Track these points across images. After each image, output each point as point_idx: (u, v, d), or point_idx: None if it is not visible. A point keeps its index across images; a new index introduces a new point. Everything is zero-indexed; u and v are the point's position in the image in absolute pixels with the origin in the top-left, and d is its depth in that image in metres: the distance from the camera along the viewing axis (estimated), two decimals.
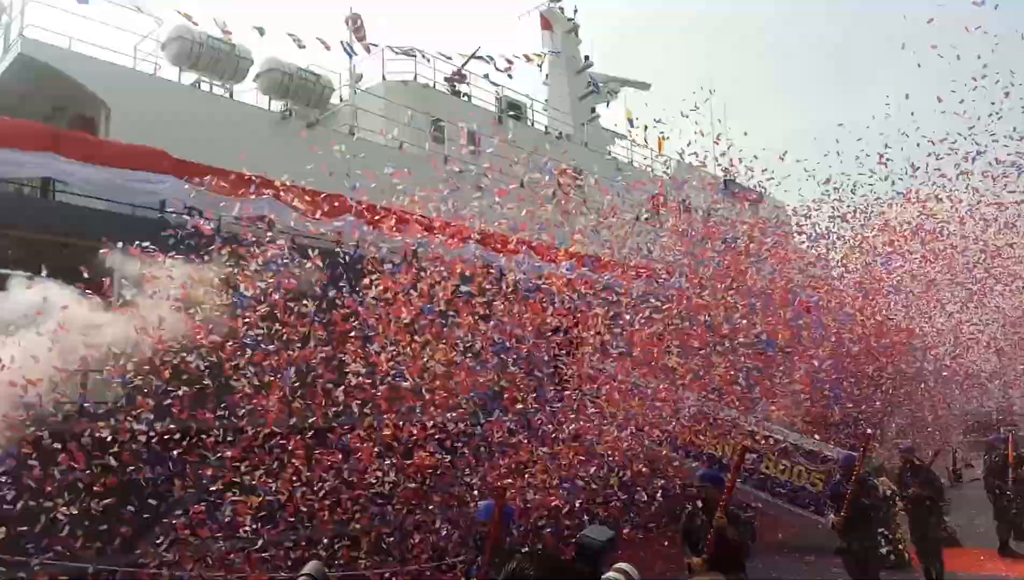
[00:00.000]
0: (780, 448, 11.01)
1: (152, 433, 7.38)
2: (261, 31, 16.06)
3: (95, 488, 7.01)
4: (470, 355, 9.09)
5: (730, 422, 11.11)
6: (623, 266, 12.66)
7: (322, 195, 10.37)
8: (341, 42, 16.84)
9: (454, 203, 10.98)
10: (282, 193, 9.97)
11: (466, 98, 19.09)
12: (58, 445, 6.88)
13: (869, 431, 9.63)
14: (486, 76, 19.76)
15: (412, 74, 17.83)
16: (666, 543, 8.99)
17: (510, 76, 20.60)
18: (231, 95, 15.14)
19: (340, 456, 8.23)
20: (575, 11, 24.69)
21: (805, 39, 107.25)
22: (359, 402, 8.30)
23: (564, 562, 1.67)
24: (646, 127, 24.59)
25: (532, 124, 20.57)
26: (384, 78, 17.51)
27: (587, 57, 24.41)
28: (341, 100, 17.30)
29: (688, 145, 32.91)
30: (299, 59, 15.94)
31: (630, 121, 24.52)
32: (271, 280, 8.11)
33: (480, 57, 19.68)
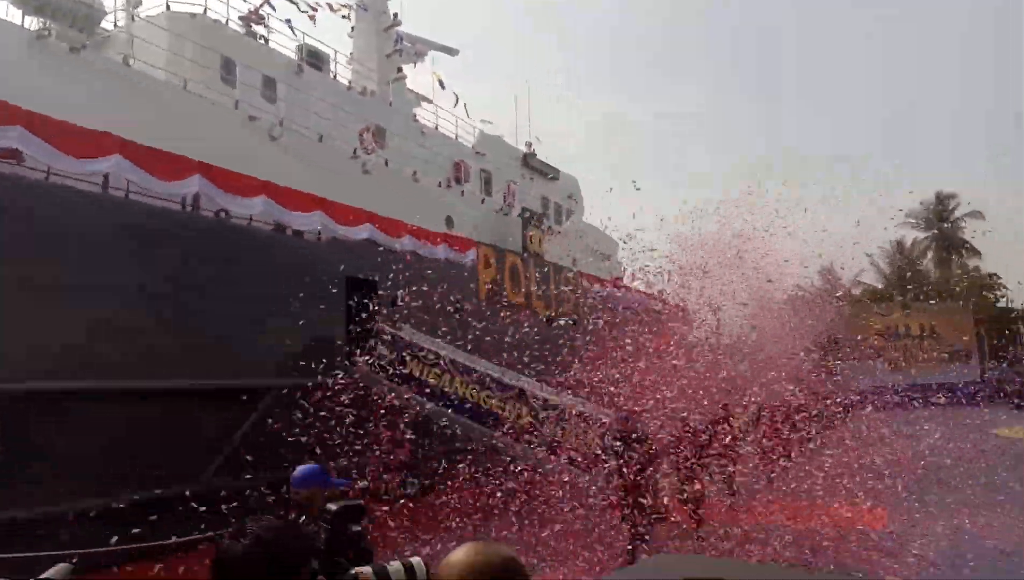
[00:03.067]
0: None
1: None
2: None
3: None
4: None
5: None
6: (426, 234, 12.59)
7: (86, 131, 9.16)
8: None
9: (244, 151, 10.23)
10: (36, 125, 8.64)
11: (263, 41, 17.78)
12: None
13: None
14: (288, 21, 18.55)
15: (201, 7, 16.25)
16: None
17: (313, 22, 19.57)
18: None
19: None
20: None
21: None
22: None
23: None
24: (456, 97, 24.70)
25: (335, 77, 19.69)
26: (168, 7, 15.78)
27: (396, 15, 23.75)
28: (116, 26, 15.36)
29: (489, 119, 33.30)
30: None
31: (440, 83, 24.36)
32: None
33: None
